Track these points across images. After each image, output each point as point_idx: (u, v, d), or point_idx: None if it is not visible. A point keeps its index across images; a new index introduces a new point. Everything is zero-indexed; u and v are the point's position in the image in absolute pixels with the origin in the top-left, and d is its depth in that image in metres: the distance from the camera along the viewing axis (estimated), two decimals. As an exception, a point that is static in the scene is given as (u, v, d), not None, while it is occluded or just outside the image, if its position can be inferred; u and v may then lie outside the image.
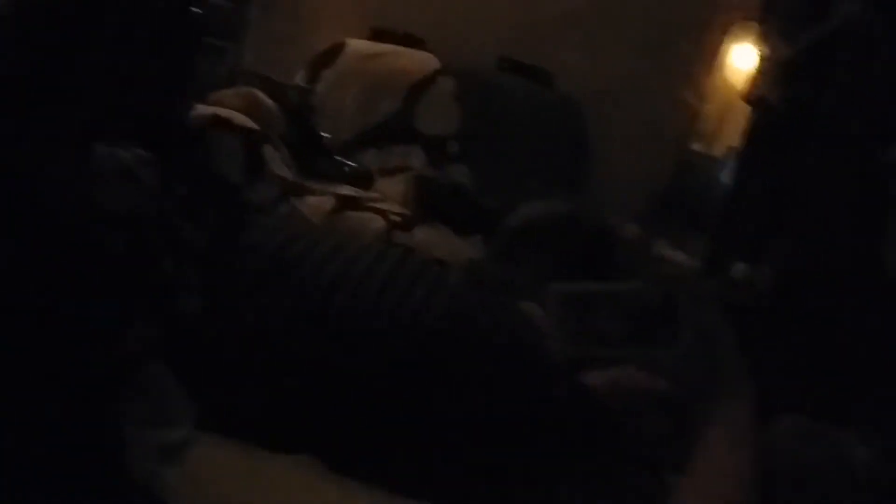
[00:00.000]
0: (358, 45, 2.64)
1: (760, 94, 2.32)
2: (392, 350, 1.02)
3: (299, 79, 2.60)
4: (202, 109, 1.98)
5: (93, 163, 0.70)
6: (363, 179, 2.25)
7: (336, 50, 2.61)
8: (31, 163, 0.67)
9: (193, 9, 2.20)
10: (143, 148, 1.01)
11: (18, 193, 0.64)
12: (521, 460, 1.03)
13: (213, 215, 1.85)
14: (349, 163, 2.30)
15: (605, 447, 1.07)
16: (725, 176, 2.40)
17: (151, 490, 0.70)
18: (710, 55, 2.63)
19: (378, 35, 2.70)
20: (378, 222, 1.95)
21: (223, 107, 2.07)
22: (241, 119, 2.05)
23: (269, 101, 2.19)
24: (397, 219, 2.00)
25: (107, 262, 0.68)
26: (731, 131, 2.51)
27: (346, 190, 2.13)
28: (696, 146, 2.69)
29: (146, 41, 1.12)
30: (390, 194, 2.21)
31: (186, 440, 0.84)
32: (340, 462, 0.99)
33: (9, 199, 0.65)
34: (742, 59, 2.54)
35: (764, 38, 2.25)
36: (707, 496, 0.97)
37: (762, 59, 2.23)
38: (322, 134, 2.35)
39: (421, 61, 2.62)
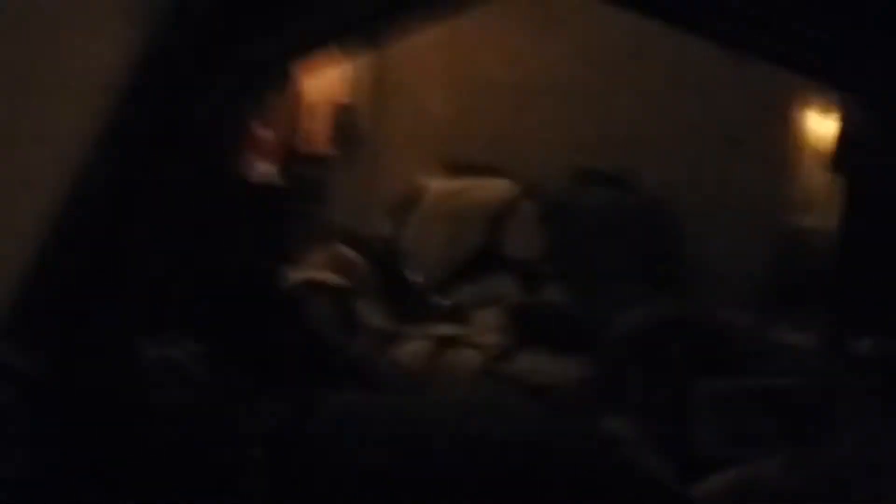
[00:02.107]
0: (437, 185, 2.70)
1: (847, 160, 2.24)
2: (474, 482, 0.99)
3: (383, 226, 2.66)
4: (295, 274, 2.06)
5: (140, 361, 0.73)
6: (459, 316, 2.25)
7: (417, 193, 2.68)
8: (81, 361, 0.70)
9: (275, 183, 2.31)
10: (228, 326, 1.05)
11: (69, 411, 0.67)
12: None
13: (310, 378, 1.88)
14: (443, 301, 2.32)
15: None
16: (831, 248, 2.30)
17: None
18: (792, 130, 2.57)
19: (454, 170, 2.74)
20: (478, 358, 1.94)
21: (314, 269, 2.14)
22: (333, 279, 2.11)
23: (356, 256, 2.25)
24: (496, 351, 1.99)
25: (160, 455, 0.69)
26: (826, 202, 2.42)
27: (444, 329, 2.14)
28: (796, 220, 2.59)
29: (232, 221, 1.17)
30: (489, 326, 2.20)
31: None
32: None
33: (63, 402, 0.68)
34: (823, 128, 2.47)
35: (841, 105, 2.19)
36: None
37: (842, 126, 2.17)
38: (413, 277, 2.38)
39: (499, 189, 2.65)
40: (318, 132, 2.59)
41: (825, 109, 2.43)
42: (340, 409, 1.16)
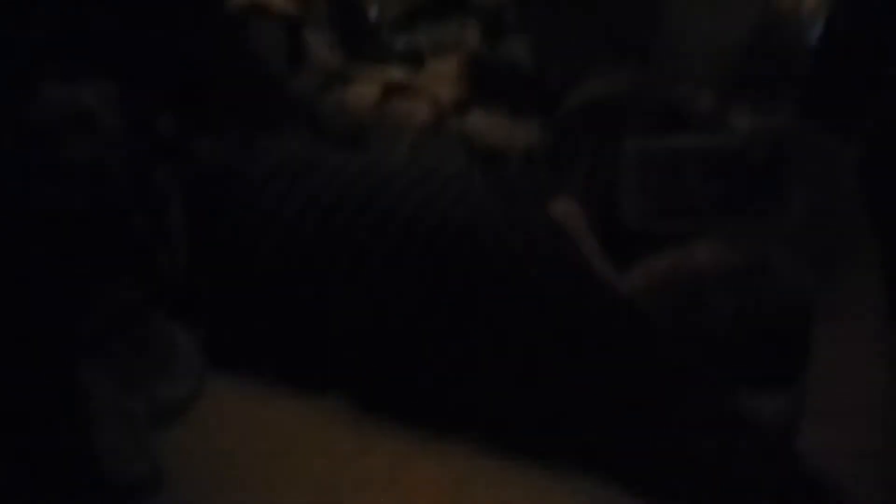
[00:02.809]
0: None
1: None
2: (412, 264, 0.93)
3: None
4: (240, -5, 1.90)
5: (42, 106, 0.62)
6: (413, 60, 2.13)
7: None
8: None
9: None
10: (153, 52, 0.92)
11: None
12: (560, 384, 0.93)
13: (251, 114, 1.76)
14: (397, 42, 2.19)
15: (659, 368, 0.96)
16: (812, 34, 2.20)
17: (136, 465, 0.65)
18: None
19: None
20: (425, 112, 1.85)
21: (260, -10, 1.97)
22: (280, 4, 1.96)
23: (309, -19, 2.07)
24: (448, 104, 1.90)
25: (66, 220, 0.60)
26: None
27: (395, 73, 2.02)
28: (778, 2, 2.46)
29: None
30: (443, 75, 2.09)
31: (192, 394, 0.79)
32: (371, 400, 0.92)
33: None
34: None
35: None
36: (832, 431, 0.85)
37: None
38: (368, 13, 2.22)
39: (473, -77, 2.43)
40: None
41: None
42: (274, 159, 1.06)
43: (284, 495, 0.75)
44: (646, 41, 2.47)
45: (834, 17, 2.02)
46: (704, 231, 1.00)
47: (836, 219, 0.87)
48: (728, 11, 2.44)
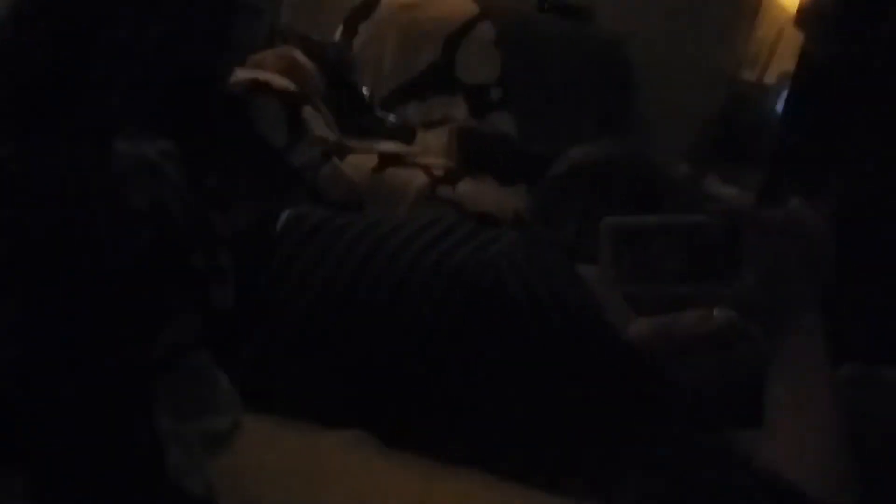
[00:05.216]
0: (393, -5, 2.60)
1: (813, 16, 2.22)
2: (436, 307, 1.01)
3: (337, 35, 2.57)
4: (241, 74, 1.98)
5: (115, 160, 0.70)
6: (405, 134, 2.23)
7: (372, 2, 2.57)
8: (53, 164, 0.67)
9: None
10: (176, 127, 1.01)
11: (40, 195, 0.65)
12: (574, 425, 1.01)
13: (256, 186, 1.85)
14: (390, 118, 2.28)
15: (655, 405, 1.05)
16: (778, 105, 2.33)
17: (193, 484, 0.71)
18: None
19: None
20: (421, 178, 1.93)
21: (262, 69, 2.06)
22: (280, 82, 2.04)
23: (307, 61, 2.17)
24: (440, 173, 1.98)
25: (134, 259, 0.68)
26: (784, 58, 2.41)
27: (389, 146, 2.11)
28: (746, 75, 2.60)
29: (175, 13, 1.11)
30: (433, 147, 2.19)
31: (233, 427, 0.86)
32: (393, 434, 0.99)
33: (31, 201, 0.66)
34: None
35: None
36: (791, 448, 0.95)
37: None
38: (362, 90, 2.32)
39: (458, 8, 2.57)
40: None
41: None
42: (295, 221, 1.15)
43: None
44: (622, 116, 2.61)
45: (797, 86, 2.14)
46: (673, 297, 1.12)
47: (783, 288, 0.99)
48: (699, 85, 2.58)
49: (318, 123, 2.08)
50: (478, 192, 1.97)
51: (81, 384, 0.68)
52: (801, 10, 2.27)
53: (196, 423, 0.79)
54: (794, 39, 2.33)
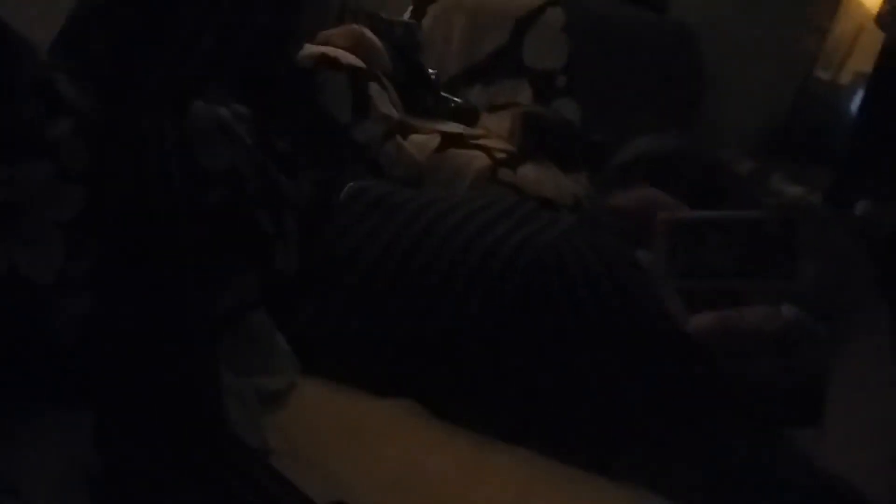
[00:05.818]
0: (464, -23, 2.59)
1: (894, 14, 2.17)
2: (493, 284, 1.01)
3: (407, 15, 2.58)
4: (310, 49, 2.00)
5: (192, 120, 0.72)
6: (469, 116, 2.23)
7: (442, -19, 2.57)
8: (133, 122, 0.69)
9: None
10: (249, 95, 1.03)
11: (120, 153, 0.67)
12: (627, 409, 1.00)
13: (320, 159, 1.87)
14: (455, 99, 2.28)
15: (711, 399, 1.04)
16: (853, 105, 2.27)
17: (250, 437, 0.73)
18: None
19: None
20: (483, 160, 1.93)
21: (330, 46, 2.08)
22: (348, 58, 2.05)
23: (375, 39, 2.18)
24: (502, 156, 1.98)
25: (204, 217, 0.70)
26: (861, 57, 2.35)
27: (452, 127, 2.12)
28: (821, 73, 2.54)
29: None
30: (496, 131, 2.18)
31: (288, 387, 0.87)
32: (443, 406, 1.00)
33: (110, 158, 0.68)
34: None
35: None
36: (851, 448, 0.93)
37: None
38: (429, 70, 2.33)
39: (529, -8, 2.55)
40: None
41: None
42: (357, 193, 1.16)
43: (363, 474, 0.82)
44: (690, 107, 2.57)
45: (875, 86, 2.09)
46: (728, 292, 1.10)
47: (844, 285, 0.96)
48: (771, 81, 2.53)
49: (384, 101, 2.09)
50: (539, 176, 1.96)
51: (151, 335, 0.70)
52: (882, 9, 2.21)
53: (254, 381, 0.81)
54: (872, 40, 2.27)
